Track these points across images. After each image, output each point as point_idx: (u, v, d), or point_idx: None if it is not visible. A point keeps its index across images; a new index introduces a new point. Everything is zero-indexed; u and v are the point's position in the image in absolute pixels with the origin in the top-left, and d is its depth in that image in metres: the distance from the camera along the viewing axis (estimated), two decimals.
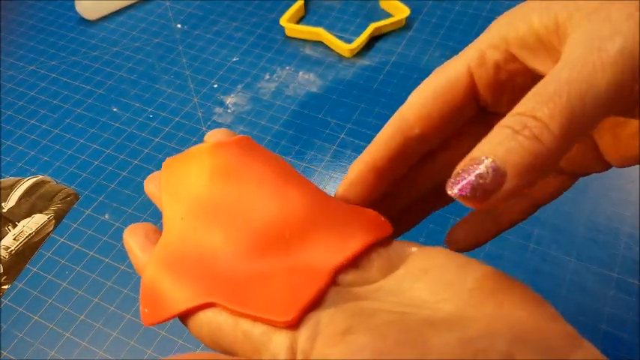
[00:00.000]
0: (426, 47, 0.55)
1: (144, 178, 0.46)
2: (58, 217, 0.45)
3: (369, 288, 0.18)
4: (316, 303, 0.18)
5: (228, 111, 0.51)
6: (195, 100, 0.53)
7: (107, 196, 0.46)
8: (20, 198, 0.47)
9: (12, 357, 0.37)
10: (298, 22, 0.59)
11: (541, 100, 0.15)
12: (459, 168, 0.16)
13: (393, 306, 0.17)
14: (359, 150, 0.47)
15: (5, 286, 0.41)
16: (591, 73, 0.15)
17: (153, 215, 0.44)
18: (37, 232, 0.44)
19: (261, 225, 0.21)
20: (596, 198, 0.42)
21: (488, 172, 0.16)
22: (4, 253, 0.43)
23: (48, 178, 0.48)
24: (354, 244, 0.20)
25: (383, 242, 0.20)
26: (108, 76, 0.56)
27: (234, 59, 0.56)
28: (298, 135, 0.48)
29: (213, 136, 0.25)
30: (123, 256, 0.42)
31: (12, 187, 0.47)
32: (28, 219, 0.45)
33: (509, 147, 0.15)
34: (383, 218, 0.21)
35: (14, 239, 0.44)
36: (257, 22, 0.60)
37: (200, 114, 0.51)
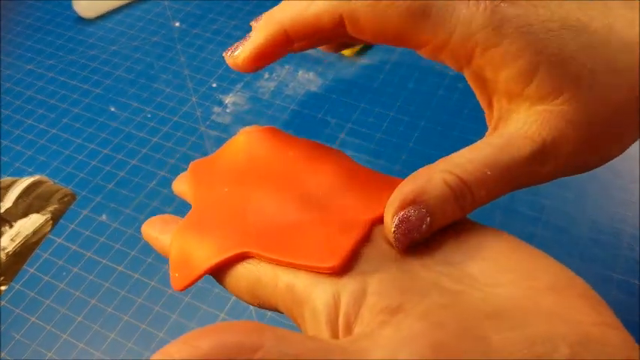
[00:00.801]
0: None
1: (142, 178, 0.46)
2: (56, 218, 0.45)
3: (414, 253, 0.18)
4: (357, 252, 0.18)
5: (227, 110, 0.51)
6: (194, 99, 0.52)
7: (105, 197, 0.45)
8: (17, 198, 0.46)
9: (9, 358, 0.37)
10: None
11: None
12: (400, 205, 0.18)
13: (442, 279, 0.17)
14: (359, 150, 0.47)
15: (3, 287, 0.41)
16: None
17: (152, 215, 0.43)
18: (35, 232, 0.44)
19: (295, 185, 0.21)
20: (598, 198, 0.42)
21: (425, 227, 0.18)
22: (2, 254, 0.43)
23: (45, 179, 0.47)
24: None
25: None
26: (105, 76, 0.55)
27: None
28: (298, 134, 0.48)
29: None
30: (121, 257, 0.42)
31: (9, 187, 0.47)
32: (25, 219, 0.45)
33: (446, 211, 0.18)
34: None
35: (11, 240, 0.44)
36: None
37: (199, 113, 0.51)
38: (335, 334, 0.16)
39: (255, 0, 0.61)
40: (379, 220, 0.19)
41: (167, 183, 0.46)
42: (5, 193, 0.47)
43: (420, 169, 0.19)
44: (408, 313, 0.16)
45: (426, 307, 0.16)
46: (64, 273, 0.41)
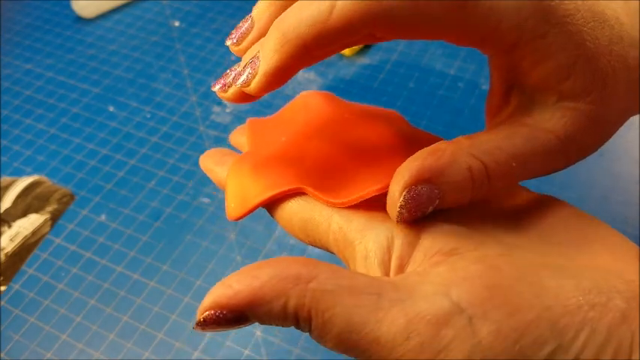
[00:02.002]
0: (427, 46, 0.54)
1: (141, 178, 0.46)
2: (54, 218, 0.44)
3: (472, 206, 0.18)
4: None
5: (227, 110, 0.51)
6: (194, 98, 0.52)
7: (104, 197, 0.45)
8: (16, 198, 0.46)
9: (9, 359, 0.37)
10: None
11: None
12: (411, 181, 0.17)
13: (500, 232, 0.17)
14: None
15: (2, 288, 0.41)
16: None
17: (150, 216, 0.43)
18: (34, 233, 0.44)
19: (351, 140, 0.21)
20: (599, 199, 0.42)
21: (433, 207, 0.17)
22: (0, 255, 0.43)
23: (44, 179, 0.47)
24: None
25: None
26: (104, 75, 0.55)
27: (233, 57, 0.55)
28: None
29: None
30: (120, 257, 0.41)
31: (8, 187, 0.47)
32: (24, 219, 0.45)
33: (461, 195, 0.17)
34: None
35: (10, 240, 0.43)
36: None
37: (198, 113, 0.51)
38: (387, 276, 0.17)
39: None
40: None
41: (166, 183, 0.46)
42: (4, 193, 0.47)
43: (444, 144, 0.17)
44: (464, 256, 0.16)
45: (482, 253, 0.16)
46: (63, 273, 0.41)
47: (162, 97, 0.52)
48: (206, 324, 0.15)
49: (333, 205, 0.18)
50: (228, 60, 0.55)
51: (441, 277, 0.15)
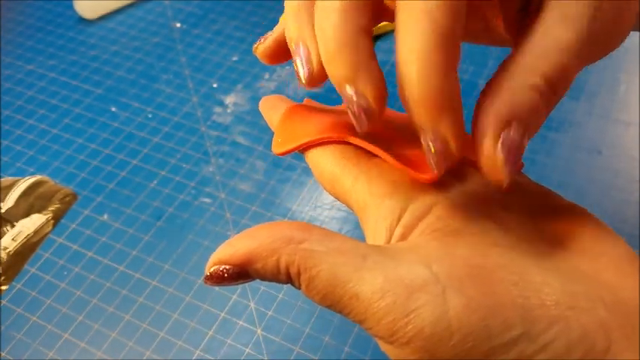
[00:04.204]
0: None
1: (143, 178, 0.46)
2: (57, 218, 0.45)
3: (476, 194, 0.18)
4: (441, 178, 0.18)
5: (228, 110, 0.51)
6: (195, 99, 0.52)
7: (106, 197, 0.45)
8: (19, 198, 0.46)
9: (11, 358, 0.37)
10: None
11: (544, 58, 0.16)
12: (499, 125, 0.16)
13: (513, 224, 0.17)
14: None
15: (4, 287, 0.41)
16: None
17: (152, 216, 0.44)
18: (36, 232, 0.44)
19: (400, 129, 0.22)
20: (598, 198, 0.42)
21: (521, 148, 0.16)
22: (3, 254, 0.43)
23: (46, 178, 0.48)
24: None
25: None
26: (106, 76, 0.55)
27: (234, 58, 0.56)
28: None
29: None
30: (122, 256, 0.42)
31: (10, 187, 0.47)
32: (27, 219, 0.45)
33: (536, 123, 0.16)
34: None
35: (12, 239, 0.44)
36: (257, 21, 0.59)
37: (199, 113, 0.51)
38: (388, 242, 0.18)
39: (255, 0, 0.61)
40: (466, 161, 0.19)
41: (168, 183, 0.46)
42: (7, 193, 0.47)
43: (492, 82, 0.17)
44: (461, 238, 0.16)
45: (481, 240, 0.16)
46: (65, 272, 0.41)
47: (164, 98, 0.53)
48: (212, 278, 0.17)
49: (374, 151, 0.19)
50: (229, 61, 0.55)
51: (428, 250, 0.16)
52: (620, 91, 0.49)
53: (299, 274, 0.16)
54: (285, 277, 0.16)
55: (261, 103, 0.25)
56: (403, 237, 0.17)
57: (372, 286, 0.15)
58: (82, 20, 0.61)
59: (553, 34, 0.16)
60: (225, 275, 0.17)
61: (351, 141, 0.20)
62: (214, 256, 0.18)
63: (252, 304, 0.38)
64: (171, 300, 0.39)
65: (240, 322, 0.38)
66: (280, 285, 0.39)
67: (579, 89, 0.49)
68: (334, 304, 0.16)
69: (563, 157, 0.44)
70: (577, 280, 0.15)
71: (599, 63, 0.53)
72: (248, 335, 0.37)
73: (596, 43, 0.16)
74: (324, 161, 0.20)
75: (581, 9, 0.16)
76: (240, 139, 0.49)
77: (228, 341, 0.37)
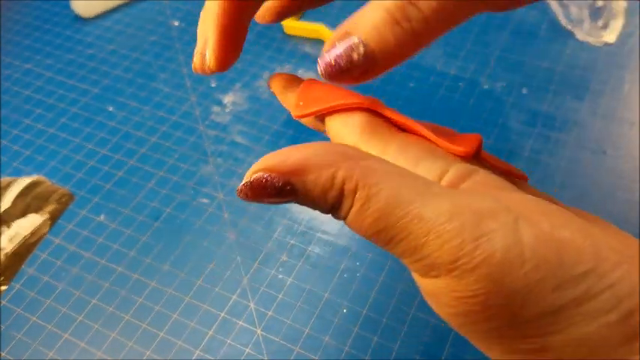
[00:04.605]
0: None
1: (140, 178, 0.46)
2: (54, 218, 0.44)
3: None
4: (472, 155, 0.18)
5: (226, 110, 0.51)
6: (193, 98, 0.52)
7: (103, 197, 0.45)
8: (15, 198, 0.46)
9: (11, 358, 0.37)
10: (298, 19, 0.59)
11: None
12: (332, 40, 0.17)
13: (542, 203, 0.17)
14: None
15: (3, 287, 0.41)
16: None
17: (150, 216, 0.44)
18: (33, 233, 0.44)
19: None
20: (600, 198, 0.42)
21: (359, 57, 0.17)
22: (1, 255, 0.43)
23: (43, 179, 0.47)
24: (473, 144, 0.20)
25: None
26: (104, 75, 0.55)
27: None
28: (298, 135, 0.48)
29: None
30: (119, 257, 0.41)
31: (7, 187, 0.47)
32: (23, 219, 0.45)
33: (384, 37, 0.16)
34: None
35: (9, 240, 0.43)
36: (254, 20, 0.59)
37: (197, 113, 0.51)
38: None
39: None
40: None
41: (166, 183, 0.46)
42: (3, 194, 0.47)
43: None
44: (515, 193, 0.16)
45: (511, 201, 0.16)
46: (63, 273, 0.41)
47: (162, 97, 0.52)
48: (252, 187, 0.15)
49: (407, 122, 0.19)
50: None
51: (492, 193, 0.16)
52: (625, 90, 0.49)
53: (355, 190, 0.14)
54: (337, 193, 0.15)
55: (271, 81, 0.24)
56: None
57: (439, 208, 0.14)
58: (78, 19, 0.61)
59: None
60: (268, 186, 0.15)
61: (383, 111, 0.19)
62: (261, 163, 0.15)
63: (252, 305, 0.38)
64: (171, 300, 0.39)
65: (240, 323, 0.38)
66: (280, 285, 0.39)
67: (584, 88, 0.49)
68: (386, 228, 0.14)
69: (566, 157, 0.44)
70: (623, 238, 0.16)
71: (601, 61, 0.53)
72: (248, 335, 0.37)
73: None
74: (347, 131, 0.19)
75: None
76: (239, 139, 0.48)
77: (228, 341, 0.37)
